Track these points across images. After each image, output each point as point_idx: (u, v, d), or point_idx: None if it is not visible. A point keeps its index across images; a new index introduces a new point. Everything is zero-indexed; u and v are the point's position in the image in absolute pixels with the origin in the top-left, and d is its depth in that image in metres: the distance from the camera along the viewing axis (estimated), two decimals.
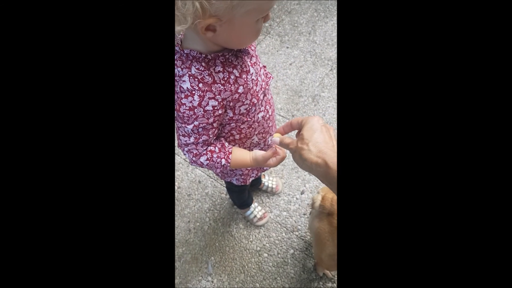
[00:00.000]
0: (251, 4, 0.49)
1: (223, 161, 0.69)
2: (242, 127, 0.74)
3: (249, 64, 0.66)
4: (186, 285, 1.30)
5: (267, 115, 0.78)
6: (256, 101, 0.70)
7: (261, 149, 0.88)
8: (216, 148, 0.70)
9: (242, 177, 0.95)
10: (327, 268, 1.21)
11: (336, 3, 2.07)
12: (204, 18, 0.48)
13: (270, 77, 0.77)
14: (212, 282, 1.30)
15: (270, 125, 0.81)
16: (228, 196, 1.47)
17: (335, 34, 1.99)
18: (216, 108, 0.62)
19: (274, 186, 1.46)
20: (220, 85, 0.61)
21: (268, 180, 1.46)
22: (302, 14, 2.16)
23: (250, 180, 0.97)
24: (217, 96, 0.61)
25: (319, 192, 0.90)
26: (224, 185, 1.50)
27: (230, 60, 0.62)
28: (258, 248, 1.35)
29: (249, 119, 0.73)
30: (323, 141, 0.50)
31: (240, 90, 0.64)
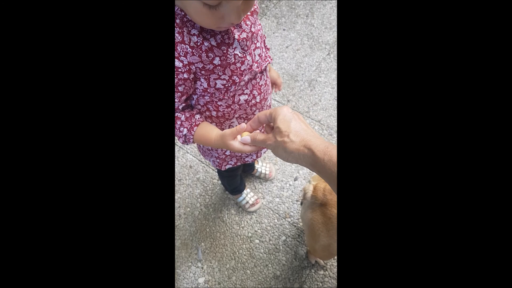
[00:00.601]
0: None
1: (185, 130, 0.64)
2: (219, 103, 0.69)
3: (235, 38, 0.60)
4: (175, 271, 1.27)
5: (253, 101, 0.71)
6: (238, 80, 0.64)
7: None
8: (183, 116, 0.65)
9: (218, 161, 0.90)
10: (320, 258, 1.19)
11: None
12: None
13: (268, 61, 0.70)
14: (202, 268, 1.27)
15: (255, 112, 0.74)
16: (220, 181, 1.43)
17: (333, 17, 1.91)
18: (180, 70, 0.57)
19: (267, 172, 1.42)
20: (187, 46, 0.56)
21: (262, 166, 1.42)
22: None
23: (226, 167, 0.91)
24: (181, 57, 0.56)
25: (310, 181, 0.85)
26: (216, 170, 1.45)
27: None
28: (250, 234, 1.32)
29: (226, 98, 0.67)
30: (301, 129, 0.48)
31: (216, 61, 0.58)
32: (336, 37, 1.83)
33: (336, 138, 1.53)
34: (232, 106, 0.69)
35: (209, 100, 0.68)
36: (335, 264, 1.24)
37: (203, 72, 0.60)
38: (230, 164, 0.91)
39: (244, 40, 0.61)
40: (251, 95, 0.70)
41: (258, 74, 0.69)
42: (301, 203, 0.95)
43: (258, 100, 0.72)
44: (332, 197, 0.79)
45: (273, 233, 1.32)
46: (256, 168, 1.41)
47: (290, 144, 0.46)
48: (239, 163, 0.91)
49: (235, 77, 0.63)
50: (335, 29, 1.86)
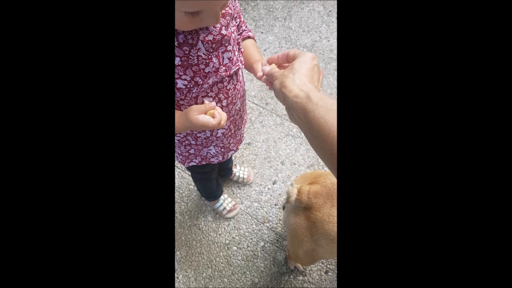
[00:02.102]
0: None
1: None
2: (181, 103, 0.64)
3: (200, 39, 0.55)
4: None
5: (218, 105, 0.66)
6: (201, 82, 0.60)
7: (207, 138, 0.77)
8: None
9: (180, 157, 0.84)
10: (302, 263, 1.14)
11: None
12: None
13: (238, 66, 0.65)
14: (177, 278, 1.18)
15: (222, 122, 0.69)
16: (196, 187, 1.35)
17: (311, 20, 1.89)
18: None
19: (245, 177, 1.36)
20: None
21: (239, 170, 1.36)
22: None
23: (190, 164, 0.86)
24: None
25: (293, 184, 0.80)
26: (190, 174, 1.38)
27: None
28: (227, 242, 1.25)
29: (188, 98, 0.62)
30: (310, 76, 0.45)
31: (176, 61, 0.56)
32: (313, 40, 1.80)
33: None
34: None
35: None
36: (315, 269, 1.20)
37: None
38: (194, 162, 0.85)
39: (209, 42, 0.56)
40: (216, 98, 0.65)
41: (226, 78, 0.64)
42: (284, 207, 0.90)
43: (224, 104, 0.68)
44: (317, 200, 0.74)
45: (251, 239, 1.26)
46: (234, 172, 1.34)
47: (290, 81, 0.43)
48: (203, 162, 0.86)
49: (197, 78, 0.59)
50: (313, 32, 1.84)
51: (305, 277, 1.19)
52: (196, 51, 0.56)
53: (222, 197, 1.28)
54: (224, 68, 0.61)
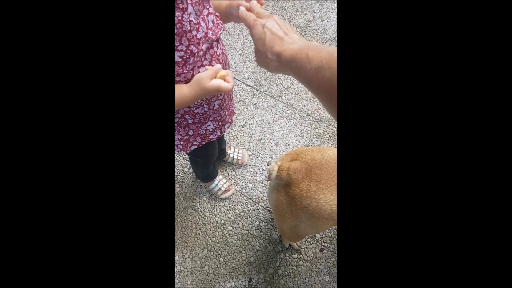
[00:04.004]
0: None
1: None
2: (177, 79, 0.59)
3: (188, 2, 0.51)
4: None
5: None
6: (196, 51, 0.56)
7: (205, 112, 0.73)
8: None
9: (182, 143, 0.80)
10: (290, 240, 1.11)
11: None
12: None
13: (221, 27, 0.61)
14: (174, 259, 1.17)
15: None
16: (191, 170, 1.32)
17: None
18: None
19: (239, 158, 1.32)
20: None
21: (234, 152, 1.32)
22: None
23: (192, 148, 0.82)
24: None
25: (276, 162, 0.76)
26: (187, 158, 1.34)
27: None
28: (223, 222, 1.23)
29: (186, 71, 0.58)
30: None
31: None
32: (307, 20, 1.72)
33: (307, 121, 1.44)
34: (191, 80, 0.60)
35: None
36: (310, 247, 1.17)
37: None
38: (195, 144, 0.81)
39: (196, 3, 0.53)
40: (210, 66, 0.61)
41: (215, 43, 0.61)
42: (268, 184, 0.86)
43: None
44: (296, 176, 0.70)
45: (247, 218, 1.23)
46: (228, 154, 1.31)
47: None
48: (204, 142, 0.82)
49: (192, 47, 0.55)
50: (306, 11, 1.76)
51: (300, 255, 1.16)
52: (188, 15, 0.52)
53: (217, 178, 1.25)
54: (211, 32, 0.58)
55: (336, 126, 1.42)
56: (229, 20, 0.64)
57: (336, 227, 1.15)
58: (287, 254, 1.16)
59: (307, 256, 1.16)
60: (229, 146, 1.34)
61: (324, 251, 1.16)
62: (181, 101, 0.57)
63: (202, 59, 0.59)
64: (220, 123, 0.80)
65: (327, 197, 0.69)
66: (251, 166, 1.34)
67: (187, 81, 0.59)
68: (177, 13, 0.51)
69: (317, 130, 1.42)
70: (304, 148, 0.79)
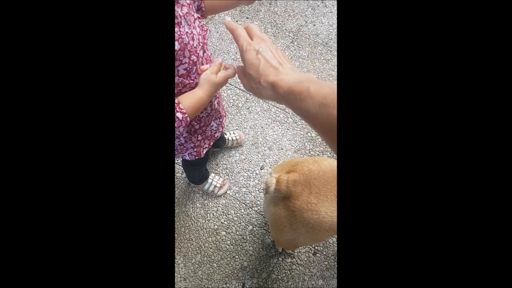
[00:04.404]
0: None
1: (179, 114, 0.54)
2: (183, 90, 0.60)
3: (181, 15, 0.52)
4: None
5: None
6: (196, 59, 0.58)
7: (208, 114, 0.76)
8: None
9: (196, 149, 0.81)
10: (286, 249, 1.12)
11: None
12: None
13: (207, 29, 0.62)
14: None
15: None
16: (184, 175, 1.31)
17: (296, 4, 1.80)
18: None
19: (237, 138, 1.35)
20: None
21: (230, 134, 1.35)
22: None
23: (204, 152, 0.84)
24: None
25: (271, 174, 0.75)
26: (179, 163, 1.33)
27: None
28: (216, 227, 1.22)
29: (190, 81, 0.60)
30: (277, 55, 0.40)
31: (176, 46, 0.52)
32: (299, 24, 1.73)
33: (300, 125, 1.45)
34: (195, 88, 0.62)
35: (175, 92, 0.59)
36: (303, 251, 1.18)
37: None
38: (205, 147, 0.84)
39: (187, 14, 0.54)
40: (192, 65, 0.63)
41: (205, 46, 0.63)
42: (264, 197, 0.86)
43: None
44: (295, 189, 0.70)
45: (240, 223, 1.23)
46: (226, 138, 1.33)
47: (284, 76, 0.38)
48: (211, 142, 0.85)
49: (193, 56, 0.58)
50: (298, 16, 1.76)
51: (294, 259, 1.17)
52: (183, 28, 0.54)
53: (210, 176, 1.25)
54: (201, 37, 0.60)
55: None
56: (239, 4, 0.68)
57: None
58: (280, 259, 1.17)
59: (300, 260, 1.17)
60: (225, 132, 1.36)
61: (317, 254, 1.17)
62: (200, 104, 0.57)
63: (200, 65, 0.61)
64: (220, 120, 0.83)
65: (327, 209, 0.69)
66: (244, 171, 1.34)
67: (192, 88, 0.60)
68: (176, 29, 0.51)
69: (309, 134, 1.43)
70: (299, 159, 0.78)
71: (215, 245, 1.19)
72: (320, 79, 1.55)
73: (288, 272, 1.15)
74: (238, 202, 1.27)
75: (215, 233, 1.21)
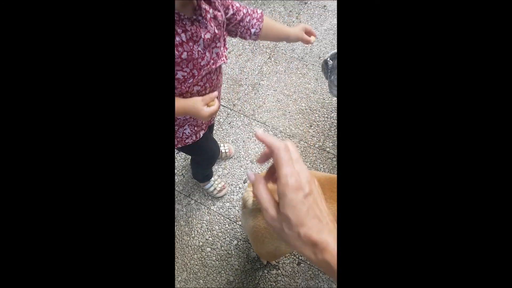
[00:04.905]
0: None
1: None
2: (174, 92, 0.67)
3: (201, 36, 0.61)
4: None
5: (203, 91, 0.72)
6: (196, 74, 0.65)
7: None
8: None
9: (195, 128, 0.84)
10: (269, 260, 1.13)
11: None
12: None
13: (223, 60, 0.69)
14: None
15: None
16: (192, 172, 1.32)
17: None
18: None
19: (227, 151, 1.39)
20: None
21: (222, 147, 1.39)
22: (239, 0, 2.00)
23: (201, 133, 0.87)
24: None
25: (246, 190, 0.78)
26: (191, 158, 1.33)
27: (183, 22, 0.58)
28: (201, 244, 1.22)
29: (182, 88, 0.66)
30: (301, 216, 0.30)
31: (184, 56, 0.60)
32: (275, 42, 1.79)
33: (280, 137, 1.48)
34: (185, 95, 0.69)
35: None
36: (287, 262, 1.19)
37: None
38: (202, 128, 0.87)
39: (208, 40, 0.62)
40: (203, 86, 0.71)
41: (213, 70, 0.70)
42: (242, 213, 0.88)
43: (208, 91, 0.73)
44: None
45: (225, 239, 1.23)
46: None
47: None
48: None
49: (195, 71, 0.64)
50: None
51: (279, 270, 1.18)
52: (198, 46, 0.61)
53: (212, 178, 1.29)
54: (212, 61, 0.66)
55: (306, 141, 1.47)
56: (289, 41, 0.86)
57: None
58: (265, 271, 1.17)
59: (285, 271, 1.18)
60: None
61: (301, 264, 1.19)
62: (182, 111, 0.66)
63: (199, 81, 0.68)
64: (196, 128, 0.85)
65: None
66: (228, 185, 1.35)
67: (180, 95, 0.67)
68: (190, 43, 0.59)
69: None
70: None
71: (200, 261, 1.19)
72: (296, 92, 1.60)
73: (274, 284, 1.15)
74: (222, 217, 1.28)
75: (200, 250, 1.21)
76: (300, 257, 1.20)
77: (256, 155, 1.43)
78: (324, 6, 1.87)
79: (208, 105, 0.67)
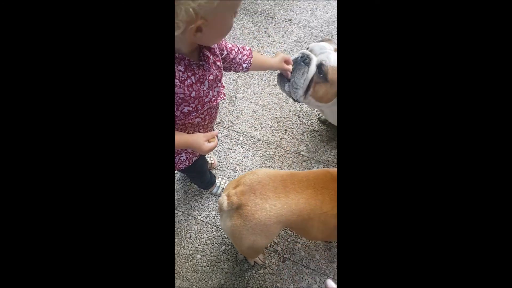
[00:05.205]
0: (228, 2, 0.57)
1: None
2: (177, 122, 0.77)
3: (206, 78, 0.73)
4: None
5: (203, 122, 0.84)
6: (200, 109, 0.77)
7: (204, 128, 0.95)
8: None
9: (189, 155, 0.97)
10: (251, 257, 1.21)
11: (245, 12, 2.07)
12: (196, 21, 0.55)
13: (222, 97, 0.83)
14: None
15: (201, 131, 0.89)
16: (195, 184, 1.39)
17: (243, 36, 1.99)
18: None
19: (212, 162, 1.48)
20: (177, 80, 0.67)
21: (208, 158, 1.47)
22: None
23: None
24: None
25: (221, 194, 0.88)
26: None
27: (192, 67, 0.69)
28: (191, 252, 1.29)
29: (186, 120, 0.77)
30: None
31: (193, 94, 0.71)
32: None
33: (258, 145, 1.58)
34: (186, 125, 0.80)
35: None
36: (273, 260, 1.28)
37: (180, 100, 0.70)
38: (196, 155, 1.00)
39: (211, 81, 0.75)
40: (204, 119, 0.83)
41: (214, 106, 0.83)
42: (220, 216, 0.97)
43: (206, 122, 0.86)
44: (243, 197, 0.83)
45: (213, 245, 1.31)
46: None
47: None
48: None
49: (199, 106, 0.75)
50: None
51: (265, 269, 1.26)
52: (204, 86, 0.73)
53: (217, 180, 1.39)
54: (214, 98, 0.79)
55: (282, 147, 1.57)
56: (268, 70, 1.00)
57: (293, 238, 1.28)
58: (253, 271, 1.26)
59: (272, 269, 1.26)
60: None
61: (286, 262, 1.28)
62: (178, 144, 0.77)
63: (200, 114, 0.80)
64: (190, 155, 0.97)
65: (272, 204, 0.83)
66: (212, 195, 1.43)
67: (183, 124, 0.79)
68: (198, 84, 0.71)
69: (267, 152, 1.57)
70: (241, 175, 0.92)
71: (192, 269, 1.26)
72: (270, 102, 1.71)
73: (262, 282, 1.24)
74: (209, 226, 1.36)
75: (191, 257, 1.28)
76: (284, 255, 1.29)
77: (238, 163, 1.53)
78: (290, 19, 2.01)
79: (209, 141, 0.78)
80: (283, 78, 1.09)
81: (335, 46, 1.08)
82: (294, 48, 1.89)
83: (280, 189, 0.85)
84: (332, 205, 0.85)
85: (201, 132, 0.86)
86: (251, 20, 2.06)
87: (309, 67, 1.01)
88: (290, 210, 0.84)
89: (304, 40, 1.89)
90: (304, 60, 1.03)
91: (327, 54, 1.01)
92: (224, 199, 0.83)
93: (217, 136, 0.83)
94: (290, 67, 0.99)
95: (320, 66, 1.01)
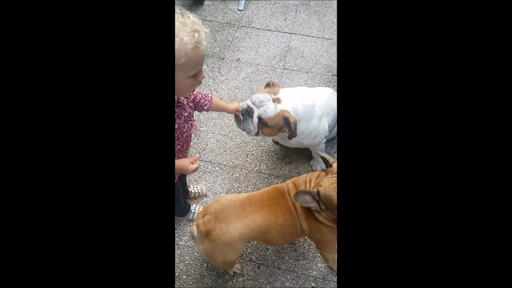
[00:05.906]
0: (183, 65, 0.76)
1: None
2: None
3: (182, 114, 0.99)
4: None
5: (182, 149, 1.09)
6: (181, 137, 1.02)
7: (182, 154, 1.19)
8: None
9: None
10: (229, 269, 1.41)
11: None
12: None
13: (195, 127, 1.09)
14: None
15: (180, 156, 1.10)
16: None
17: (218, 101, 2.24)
18: None
19: (199, 191, 1.66)
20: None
21: (193, 188, 1.65)
22: None
23: (176, 177, 1.22)
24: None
25: (191, 225, 1.10)
26: None
27: (176, 106, 0.95)
28: (177, 274, 1.45)
29: None
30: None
31: (176, 126, 0.97)
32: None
33: (225, 170, 1.80)
34: None
35: None
36: (249, 268, 1.48)
37: None
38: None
39: (186, 117, 1.01)
40: (183, 146, 1.08)
41: (188, 136, 1.07)
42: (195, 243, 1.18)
43: (184, 149, 1.10)
44: (210, 225, 1.05)
45: (196, 265, 1.48)
46: (190, 191, 1.63)
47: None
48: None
49: (179, 135, 1.01)
50: (204, 87, 2.19)
51: (244, 277, 1.45)
52: (180, 121, 0.98)
53: (192, 207, 1.56)
54: (188, 129, 1.03)
55: (246, 168, 1.81)
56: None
57: (265, 246, 1.50)
58: (234, 280, 1.44)
59: (249, 276, 1.46)
60: (189, 185, 1.65)
61: (261, 267, 1.48)
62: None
63: (180, 142, 1.04)
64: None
65: (234, 227, 1.06)
66: (189, 221, 1.61)
67: None
68: (177, 119, 0.96)
69: (234, 175, 1.79)
70: (208, 204, 1.15)
71: None
72: (231, 131, 1.95)
73: None
74: (190, 249, 1.53)
75: (177, 279, 1.43)
76: (259, 262, 1.49)
77: (209, 189, 1.73)
78: (238, 59, 2.31)
79: (192, 163, 1.01)
80: (238, 118, 1.42)
81: (276, 93, 1.40)
82: (244, 83, 2.18)
83: (239, 213, 1.08)
84: (284, 217, 1.10)
85: (180, 157, 1.09)
86: (205, 63, 2.33)
87: (253, 119, 1.37)
88: (249, 228, 1.08)
89: (253, 76, 2.19)
90: (248, 113, 1.38)
91: (265, 107, 1.34)
92: (194, 229, 1.05)
93: (198, 160, 1.06)
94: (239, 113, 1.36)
95: (260, 119, 1.35)
